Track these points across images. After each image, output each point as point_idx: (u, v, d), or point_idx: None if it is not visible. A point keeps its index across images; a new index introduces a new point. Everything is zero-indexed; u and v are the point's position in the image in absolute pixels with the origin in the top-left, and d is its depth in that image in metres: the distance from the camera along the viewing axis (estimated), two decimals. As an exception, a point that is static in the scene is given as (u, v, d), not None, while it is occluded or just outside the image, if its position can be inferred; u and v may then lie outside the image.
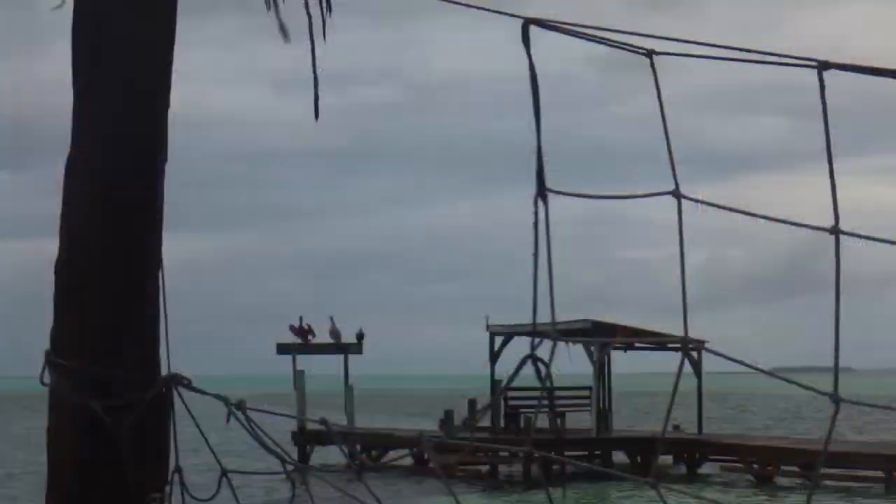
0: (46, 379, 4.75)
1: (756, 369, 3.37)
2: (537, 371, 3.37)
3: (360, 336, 46.37)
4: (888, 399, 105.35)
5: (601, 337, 42.01)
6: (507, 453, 37.88)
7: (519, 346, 42.75)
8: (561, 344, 3.23)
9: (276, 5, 5.60)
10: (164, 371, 4.83)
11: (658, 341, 51.79)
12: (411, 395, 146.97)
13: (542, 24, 3.22)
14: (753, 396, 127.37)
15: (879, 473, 35.09)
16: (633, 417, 77.90)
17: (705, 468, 40.43)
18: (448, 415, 42.20)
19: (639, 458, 40.04)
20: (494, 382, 41.69)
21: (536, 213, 3.17)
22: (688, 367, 40.21)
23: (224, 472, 4.71)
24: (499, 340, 42.69)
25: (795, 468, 37.11)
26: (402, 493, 34.19)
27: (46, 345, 4.81)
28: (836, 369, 2.89)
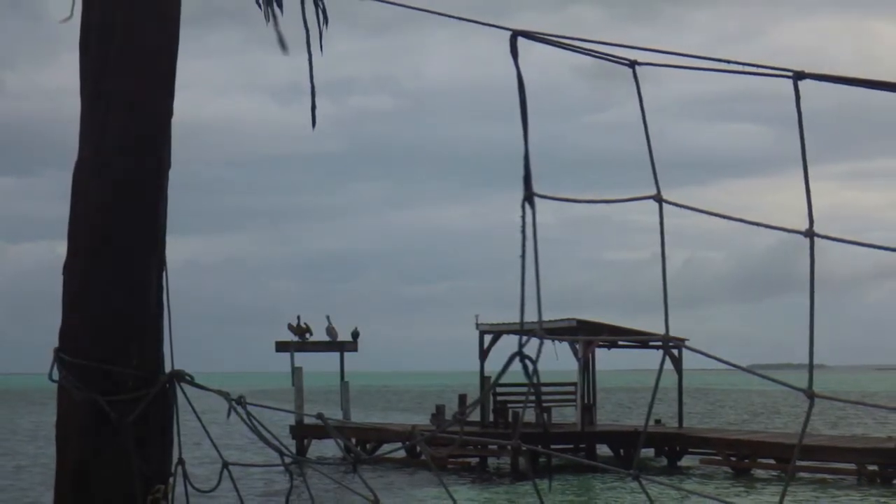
0: (55, 375, 4.88)
1: (734, 366, 3.43)
2: (525, 368, 3.46)
3: (356, 334, 46.65)
4: (860, 394, 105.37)
5: (586, 335, 42.03)
6: (495, 446, 37.98)
7: (507, 344, 42.88)
8: (547, 342, 3.33)
9: (275, 18, 5.72)
10: (167, 368, 4.95)
11: (640, 339, 51.81)
12: (404, 390, 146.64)
13: (530, 35, 3.33)
14: (731, 392, 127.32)
15: (852, 466, 35.42)
16: (616, 412, 78.04)
17: (685, 461, 40.64)
18: (439, 409, 42.40)
19: (621, 451, 40.24)
20: (484, 379, 41.76)
21: (524, 217, 3.28)
22: (669, 364, 40.34)
23: (225, 465, 4.83)
24: (488, 338, 42.83)
25: (771, 461, 37.40)
26: (395, 484, 34.26)
27: (55, 342, 4.92)
28: (810, 366, 2.99)
